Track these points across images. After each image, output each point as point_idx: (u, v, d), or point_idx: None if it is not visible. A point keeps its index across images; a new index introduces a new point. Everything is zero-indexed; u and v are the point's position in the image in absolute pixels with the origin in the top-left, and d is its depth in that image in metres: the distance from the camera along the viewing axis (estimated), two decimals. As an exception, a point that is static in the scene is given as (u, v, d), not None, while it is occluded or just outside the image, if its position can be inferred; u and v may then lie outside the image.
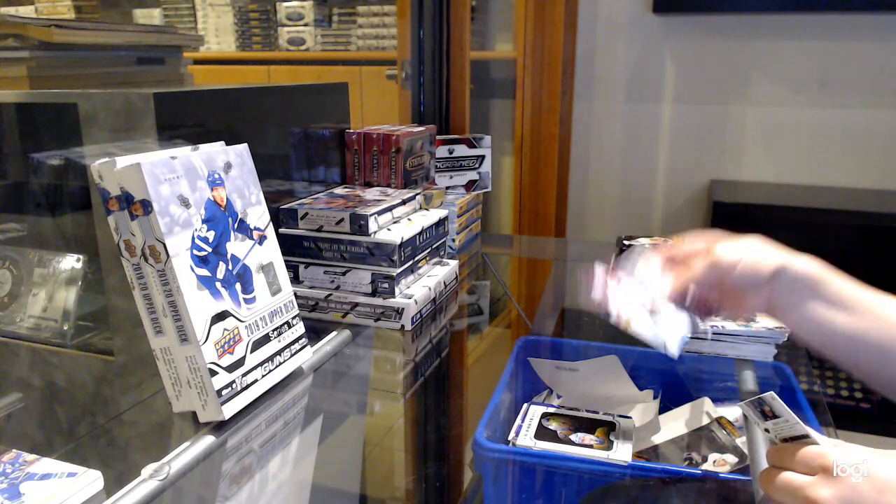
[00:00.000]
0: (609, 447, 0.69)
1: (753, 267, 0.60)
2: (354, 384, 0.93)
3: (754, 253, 0.61)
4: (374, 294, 1.01)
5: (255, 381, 0.73)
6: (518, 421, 0.74)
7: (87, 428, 0.81)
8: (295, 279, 1.04)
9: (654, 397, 0.89)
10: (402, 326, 1.00)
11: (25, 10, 2.39)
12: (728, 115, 2.28)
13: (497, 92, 2.48)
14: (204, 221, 0.70)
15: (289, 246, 1.03)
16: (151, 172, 0.65)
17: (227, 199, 0.74)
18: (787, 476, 0.49)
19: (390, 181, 1.25)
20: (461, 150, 1.51)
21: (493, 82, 2.50)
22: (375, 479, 0.80)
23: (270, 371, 0.76)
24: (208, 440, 0.68)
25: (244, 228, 0.76)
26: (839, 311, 0.59)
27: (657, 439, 0.80)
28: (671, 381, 0.90)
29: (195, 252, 0.68)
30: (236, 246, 0.74)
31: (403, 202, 1.10)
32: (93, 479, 0.59)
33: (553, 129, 2.24)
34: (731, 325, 0.92)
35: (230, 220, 0.74)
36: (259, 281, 0.77)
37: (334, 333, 0.96)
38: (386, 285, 1.00)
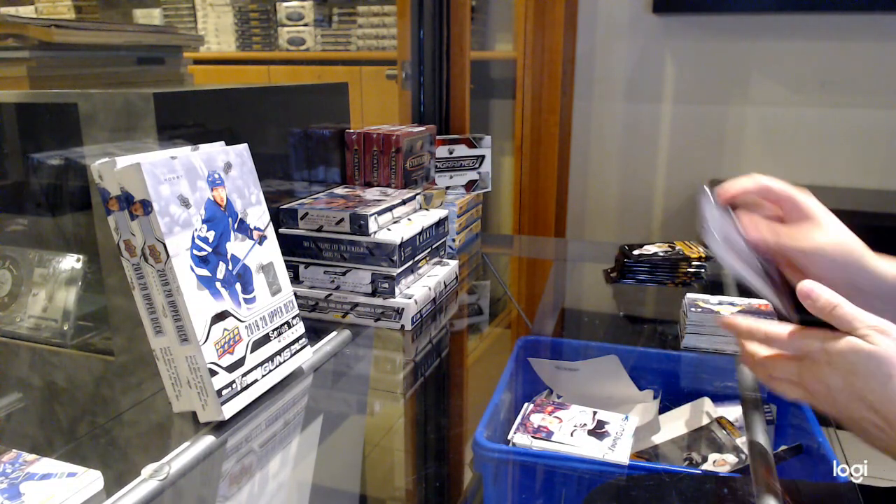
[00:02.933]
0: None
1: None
2: (354, 384, 0.93)
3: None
4: (374, 294, 1.01)
5: (255, 381, 0.73)
6: (518, 421, 0.74)
7: (87, 428, 0.81)
8: (295, 279, 1.04)
9: (654, 397, 0.89)
10: (402, 326, 1.00)
11: (25, 10, 2.39)
12: (728, 115, 2.28)
13: (497, 92, 2.48)
14: (204, 221, 0.70)
15: (289, 246, 1.03)
16: (151, 172, 0.65)
17: (227, 199, 0.74)
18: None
19: (390, 181, 1.25)
20: (461, 150, 1.51)
21: (493, 82, 2.50)
22: (375, 479, 0.80)
23: (270, 371, 0.76)
24: (208, 440, 0.68)
25: (244, 228, 0.76)
26: None
27: (657, 439, 0.80)
28: (671, 381, 0.90)
29: (195, 252, 0.68)
30: (236, 246, 0.74)
31: (403, 202, 1.10)
32: (93, 479, 0.59)
33: (553, 129, 2.24)
34: (725, 311, 0.92)
35: (230, 220, 0.74)
36: (259, 281, 0.77)
37: (334, 333, 0.96)
38: (386, 285, 1.00)
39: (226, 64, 2.99)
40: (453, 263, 1.18)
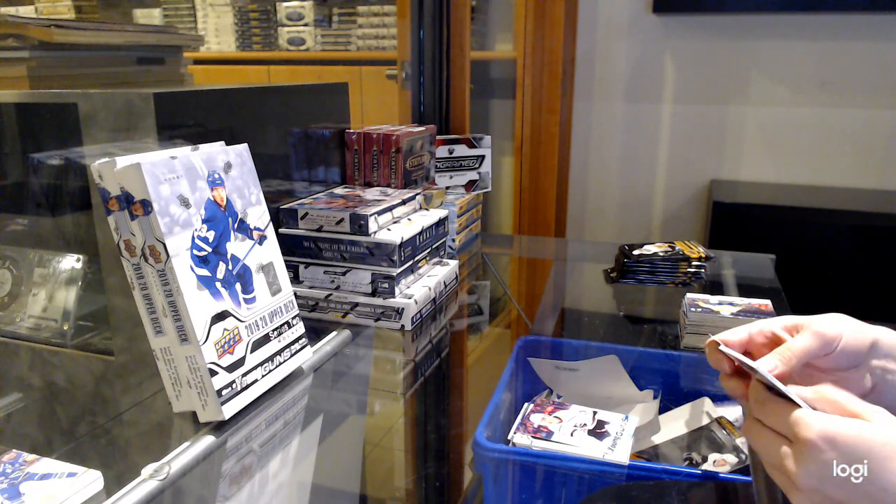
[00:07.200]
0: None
1: (855, 339, 0.53)
2: (354, 384, 0.93)
3: (852, 325, 0.54)
4: (374, 294, 1.01)
5: (255, 381, 0.73)
6: (518, 421, 0.74)
7: (87, 428, 0.81)
8: (295, 279, 1.04)
9: (654, 397, 0.89)
10: (402, 326, 1.00)
11: (25, 10, 2.39)
12: (728, 115, 2.28)
13: (497, 92, 2.48)
14: (204, 221, 0.70)
15: (289, 246, 1.03)
16: (151, 172, 0.65)
17: (227, 199, 0.74)
18: (768, 439, 0.48)
19: (390, 181, 1.25)
20: (461, 150, 1.51)
21: (493, 82, 2.50)
22: (375, 479, 0.80)
23: (270, 371, 0.76)
24: (208, 440, 0.68)
25: (244, 228, 0.76)
26: None
27: (657, 439, 0.80)
28: (671, 381, 0.90)
29: (195, 252, 0.68)
30: (236, 246, 0.74)
31: (403, 202, 1.10)
32: (93, 479, 0.59)
33: (553, 129, 2.24)
34: (724, 311, 0.92)
35: (230, 220, 0.74)
36: (259, 281, 0.77)
37: (334, 333, 0.96)
38: (386, 285, 1.00)
39: (226, 64, 2.99)
40: (453, 263, 1.18)
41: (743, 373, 0.55)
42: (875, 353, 0.54)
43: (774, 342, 0.55)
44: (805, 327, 0.54)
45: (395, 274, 0.99)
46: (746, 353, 0.55)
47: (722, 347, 0.54)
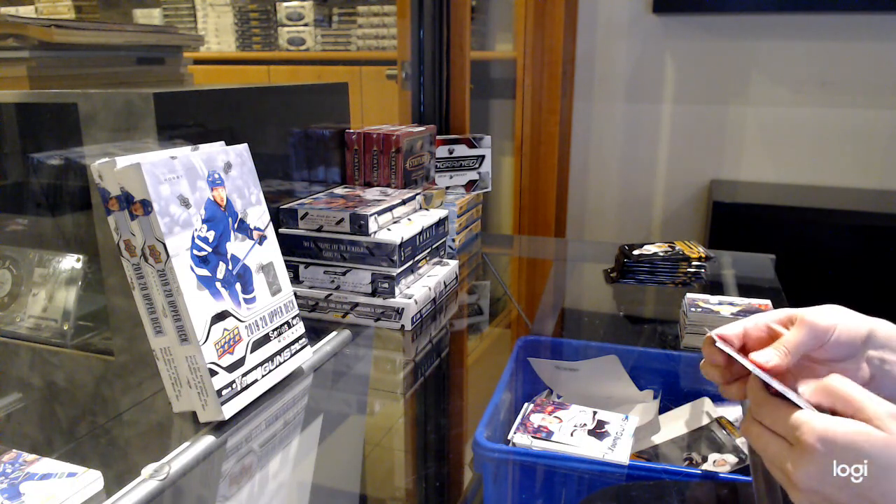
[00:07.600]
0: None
1: (850, 329, 0.53)
2: (354, 384, 0.93)
3: (846, 316, 0.54)
4: (374, 294, 1.01)
5: (255, 381, 0.73)
6: (518, 421, 0.74)
7: (87, 428, 0.81)
8: (295, 279, 1.04)
9: (654, 397, 0.89)
10: (402, 326, 1.00)
11: (25, 10, 2.40)
12: (728, 115, 2.28)
13: (497, 92, 2.48)
14: (204, 221, 0.70)
15: (289, 246, 1.03)
16: (151, 172, 0.65)
17: (227, 199, 0.74)
18: (767, 440, 0.48)
19: (390, 181, 1.25)
20: (461, 150, 1.51)
21: (493, 82, 2.50)
22: (375, 479, 0.80)
23: (270, 371, 0.76)
24: (208, 440, 0.68)
25: (244, 228, 0.76)
26: None
27: (657, 439, 0.80)
28: (671, 381, 0.90)
29: (195, 252, 0.68)
30: (236, 246, 0.74)
31: (403, 202, 1.10)
32: (93, 479, 0.59)
33: (553, 129, 2.24)
34: (724, 311, 0.92)
35: (230, 220, 0.74)
36: (259, 281, 0.77)
37: (334, 333, 0.96)
38: (386, 285, 1.00)
39: (226, 64, 2.99)
40: (453, 263, 1.18)
41: (739, 370, 0.55)
42: (871, 344, 0.54)
43: (770, 335, 0.55)
44: (798, 320, 0.53)
45: (395, 274, 0.99)
46: (743, 347, 0.55)
47: (720, 345, 0.54)
